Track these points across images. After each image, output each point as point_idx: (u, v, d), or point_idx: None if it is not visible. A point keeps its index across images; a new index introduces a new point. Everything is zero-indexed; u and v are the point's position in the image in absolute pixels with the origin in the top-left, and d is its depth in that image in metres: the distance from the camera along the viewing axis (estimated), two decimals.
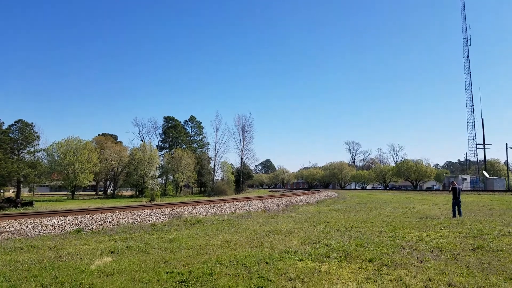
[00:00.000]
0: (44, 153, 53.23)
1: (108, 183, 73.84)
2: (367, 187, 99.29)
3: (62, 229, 12.40)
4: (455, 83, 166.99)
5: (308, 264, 6.86)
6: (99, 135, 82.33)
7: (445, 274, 6.01)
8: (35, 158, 51.56)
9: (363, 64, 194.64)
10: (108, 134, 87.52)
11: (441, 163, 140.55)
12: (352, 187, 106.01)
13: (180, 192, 69.92)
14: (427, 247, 8.26)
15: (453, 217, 15.12)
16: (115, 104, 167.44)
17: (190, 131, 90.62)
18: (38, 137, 52.78)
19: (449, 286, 5.38)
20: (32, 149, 51.75)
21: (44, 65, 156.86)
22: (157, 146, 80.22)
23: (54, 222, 12.83)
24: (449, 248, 8.08)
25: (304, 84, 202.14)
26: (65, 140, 52.20)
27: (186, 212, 17.85)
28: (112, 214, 15.42)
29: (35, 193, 59.41)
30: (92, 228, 12.88)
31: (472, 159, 78.19)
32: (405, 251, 7.87)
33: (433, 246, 8.35)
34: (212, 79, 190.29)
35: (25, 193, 63.96)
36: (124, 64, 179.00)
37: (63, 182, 54.85)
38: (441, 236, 9.87)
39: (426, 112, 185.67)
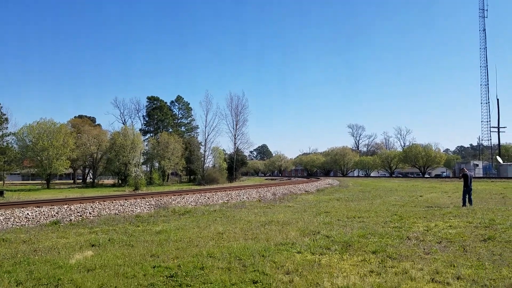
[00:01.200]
0: (14, 137, 52.88)
1: (87, 170, 73.72)
2: (371, 174, 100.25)
3: (37, 221, 12.43)
4: (469, 60, 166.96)
5: (307, 256, 6.99)
6: (75, 117, 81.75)
7: (454, 266, 6.16)
8: (4, 143, 51.16)
9: (367, 39, 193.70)
10: (85, 116, 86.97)
11: (452, 148, 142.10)
12: (355, 175, 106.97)
13: (167, 181, 70.14)
14: (434, 238, 8.44)
15: (463, 206, 15.40)
16: (92, 83, 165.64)
17: (177, 113, 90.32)
18: (6, 119, 52.31)
19: (458, 279, 5.52)
20: (0, 133, 51.30)
21: (10, 39, 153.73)
22: (140, 129, 80.00)
23: (27, 214, 12.83)
24: (458, 239, 8.26)
25: (303, 63, 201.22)
26: (37, 123, 51.62)
27: (174, 202, 17.94)
28: (92, 204, 15.44)
29: (5, 182, 59.17)
30: (71, 220, 12.92)
31: (485, 143, 79.08)
32: (411, 243, 8.03)
33: (441, 237, 8.53)
34: (201, 56, 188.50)
35: None
36: (102, 39, 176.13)
37: (36, 169, 54.60)
38: (450, 226, 10.06)
39: (436, 92, 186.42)
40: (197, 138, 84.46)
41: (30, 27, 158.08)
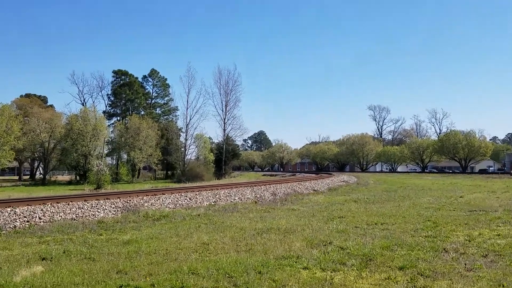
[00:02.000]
0: None
1: (36, 164, 73.62)
2: (398, 169, 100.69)
3: None
4: None
5: (315, 273, 6.98)
6: (21, 96, 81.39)
7: (503, 286, 6.16)
8: None
9: (392, 5, 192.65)
10: (34, 95, 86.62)
11: (501, 136, 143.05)
12: (377, 169, 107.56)
13: (138, 177, 70.18)
14: (479, 251, 8.45)
15: None
16: (43, 53, 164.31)
17: (151, 91, 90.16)
18: None
19: None
20: None
21: None
22: (104, 112, 79.92)
23: None
24: (508, 252, 8.28)
25: (311, 32, 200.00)
26: None
27: (146, 204, 17.92)
28: (42, 207, 15.40)
29: None
30: (15, 226, 12.87)
31: None
32: (448, 256, 8.04)
33: (488, 249, 8.55)
34: (182, 21, 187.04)
35: None
36: None
37: None
38: (499, 235, 10.09)
39: (480, 66, 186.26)
40: (176, 122, 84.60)
41: None
